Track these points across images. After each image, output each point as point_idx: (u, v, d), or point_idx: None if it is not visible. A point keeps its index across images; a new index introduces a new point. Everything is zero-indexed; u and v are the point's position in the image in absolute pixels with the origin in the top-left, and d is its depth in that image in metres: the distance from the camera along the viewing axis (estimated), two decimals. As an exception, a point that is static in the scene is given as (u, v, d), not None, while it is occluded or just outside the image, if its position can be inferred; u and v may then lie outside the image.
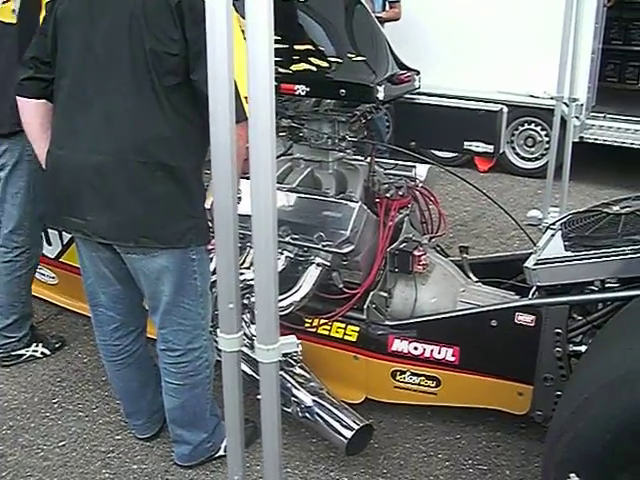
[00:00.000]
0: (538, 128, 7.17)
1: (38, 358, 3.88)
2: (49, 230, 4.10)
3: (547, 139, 6.94)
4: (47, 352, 3.91)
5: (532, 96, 6.85)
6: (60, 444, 3.25)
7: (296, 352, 1.86)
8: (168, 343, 2.86)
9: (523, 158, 7.34)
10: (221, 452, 3.06)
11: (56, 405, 3.53)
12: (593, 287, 2.93)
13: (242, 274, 2.97)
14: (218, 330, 1.89)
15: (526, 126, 7.23)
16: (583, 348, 2.86)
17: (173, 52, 2.47)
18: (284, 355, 1.84)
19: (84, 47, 2.57)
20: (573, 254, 2.93)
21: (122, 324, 2.97)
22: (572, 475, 2.05)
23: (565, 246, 3.04)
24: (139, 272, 2.73)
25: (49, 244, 4.18)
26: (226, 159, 1.69)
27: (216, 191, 1.73)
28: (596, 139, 6.97)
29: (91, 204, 2.59)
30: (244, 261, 3.17)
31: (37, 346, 3.90)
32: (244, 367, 2.79)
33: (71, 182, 2.62)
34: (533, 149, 7.27)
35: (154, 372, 3.07)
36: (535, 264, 2.95)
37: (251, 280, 2.71)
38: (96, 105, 2.56)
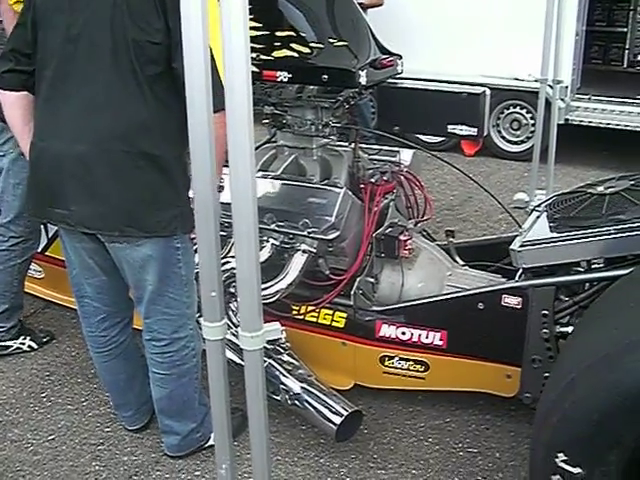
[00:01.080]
0: (523, 111, 7.17)
1: (25, 351, 3.87)
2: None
3: (532, 122, 6.94)
4: (34, 346, 3.90)
5: (516, 79, 6.83)
6: (50, 438, 3.24)
7: (281, 339, 1.85)
8: (153, 332, 2.86)
9: (509, 141, 7.35)
10: (211, 442, 3.05)
11: (45, 399, 3.52)
12: (579, 268, 2.94)
13: (227, 263, 2.96)
14: (201, 319, 1.87)
15: (511, 109, 7.23)
16: (570, 329, 2.87)
17: (155, 41, 2.46)
18: (270, 342, 1.84)
19: (65, 38, 2.55)
20: (558, 235, 2.94)
21: (108, 315, 2.97)
22: (560, 455, 2.06)
23: (550, 227, 3.04)
24: (123, 261, 2.72)
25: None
26: (204, 148, 1.67)
27: (195, 180, 1.72)
28: (581, 121, 6.98)
29: (74, 194, 2.58)
30: (229, 250, 3.16)
31: (24, 339, 3.89)
32: (232, 356, 2.80)
33: (54, 173, 2.60)
34: (519, 132, 7.28)
35: (141, 363, 3.06)
36: (521, 246, 2.96)
37: (235, 269, 2.70)
38: (78, 95, 2.55)
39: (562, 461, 2.06)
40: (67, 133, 2.56)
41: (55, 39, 2.58)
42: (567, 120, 6.83)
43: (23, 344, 3.88)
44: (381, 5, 6.77)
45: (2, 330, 3.82)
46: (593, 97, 7.16)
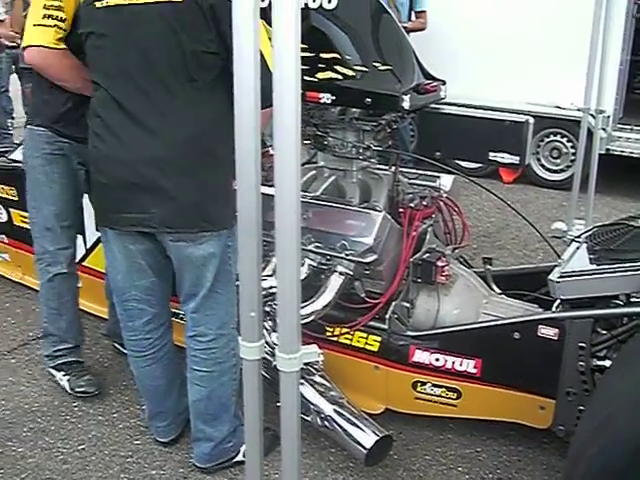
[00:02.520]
0: (564, 140, 7.13)
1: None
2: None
3: (573, 151, 6.91)
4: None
5: (558, 107, 6.80)
6: (79, 447, 3.26)
7: (317, 361, 1.85)
8: (200, 327, 2.91)
9: (548, 170, 7.31)
10: (239, 457, 3.06)
11: (76, 409, 3.54)
12: (618, 301, 2.90)
13: (264, 281, 2.97)
14: (240, 337, 1.88)
15: (552, 137, 7.20)
16: (607, 363, 2.83)
17: (211, 50, 2.60)
18: (305, 364, 1.83)
19: (118, 53, 2.69)
20: (598, 267, 2.91)
21: (154, 317, 3.02)
22: (594, 491, 2.02)
23: (590, 259, 3.01)
24: (185, 260, 2.81)
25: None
26: (251, 172, 1.70)
27: (240, 199, 1.73)
28: (623, 151, 6.92)
29: (152, 197, 2.70)
30: (265, 268, 3.17)
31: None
32: (263, 373, 2.79)
33: (125, 180, 2.72)
34: (558, 161, 7.24)
35: (180, 371, 3.10)
36: (559, 277, 2.93)
37: (273, 288, 2.71)
38: (138, 107, 2.69)
39: (596, 496, 2.02)
40: (135, 141, 2.69)
41: (108, 55, 2.71)
42: (608, 150, 6.77)
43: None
44: (424, 30, 6.81)
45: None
46: (635, 127, 7.09)
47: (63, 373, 3.64)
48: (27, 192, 3.48)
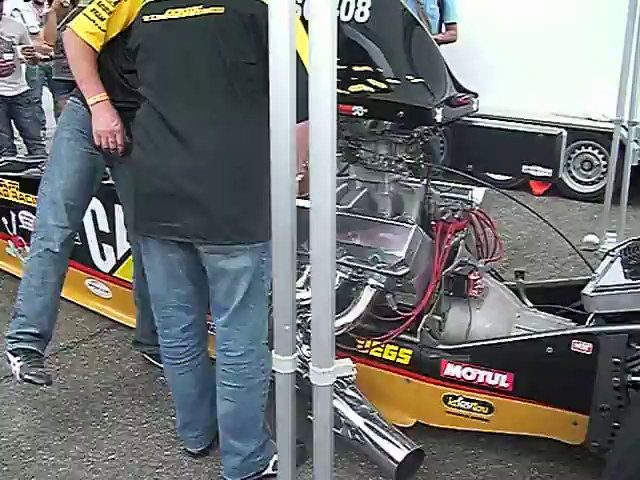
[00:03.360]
0: (595, 151, 7.09)
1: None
2: (103, 245, 4.17)
3: (604, 163, 6.86)
4: None
5: (590, 119, 6.77)
6: (110, 457, 3.27)
7: (350, 375, 1.84)
8: (230, 342, 2.90)
9: (580, 182, 7.26)
10: (269, 470, 3.05)
11: (106, 418, 3.56)
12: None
13: (297, 293, 2.97)
14: (273, 351, 1.88)
15: (583, 149, 7.16)
16: (642, 379, 2.80)
17: (252, 61, 2.61)
18: (338, 378, 1.83)
19: (162, 64, 2.74)
20: (633, 282, 2.88)
21: (191, 324, 3.04)
22: (631, 510, 2.00)
23: (624, 273, 2.98)
24: (219, 272, 2.81)
25: (103, 259, 4.25)
26: (286, 180, 1.70)
27: (275, 211, 1.74)
28: (655, 164, 6.85)
29: (187, 208, 2.72)
30: (298, 280, 3.17)
31: None
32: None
33: (162, 189, 2.75)
34: (590, 173, 7.19)
35: (213, 382, 3.08)
36: (593, 291, 2.90)
37: (305, 300, 2.71)
38: (181, 117, 2.71)
39: (633, 517, 2.00)
40: (174, 153, 2.71)
41: (153, 67, 2.77)
42: (640, 162, 6.72)
43: None
44: (454, 41, 6.80)
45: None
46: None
47: (18, 359, 3.43)
48: (46, 163, 3.50)
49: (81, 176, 3.38)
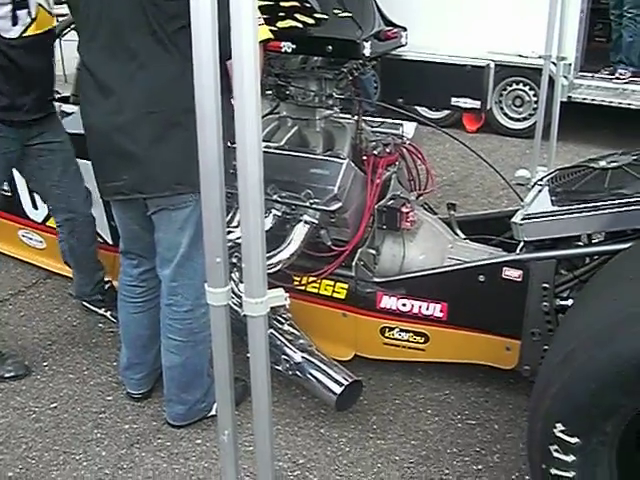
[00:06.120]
0: (526, 88, 7.16)
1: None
2: (35, 195, 4.09)
3: (535, 99, 6.93)
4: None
5: (520, 55, 6.82)
6: (52, 406, 3.27)
7: (284, 306, 1.86)
8: (177, 297, 2.90)
9: (511, 118, 7.35)
10: (213, 412, 3.08)
11: (47, 368, 3.54)
12: (580, 242, 2.95)
13: (230, 233, 2.97)
14: (206, 284, 1.89)
15: (514, 86, 7.23)
16: (570, 303, 2.88)
17: None
18: (272, 310, 1.84)
19: (85, 15, 2.66)
20: (560, 209, 2.94)
21: (150, 269, 3.06)
22: (558, 425, 2.07)
23: (552, 201, 3.04)
24: (164, 223, 2.81)
25: (35, 208, 4.17)
26: (212, 111, 1.69)
27: (202, 146, 1.73)
28: (584, 99, 6.96)
29: (123, 164, 2.69)
30: (231, 220, 3.17)
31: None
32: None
33: (102, 148, 2.74)
34: (521, 109, 7.27)
35: None
36: (522, 219, 2.96)
37: (239, 239, 2.71)
38: (108, 69, 2.66)
39: (560, 431, 2.08)
40: (105, 107, 2.67)
41: (78, 18, 2.73)
42: (570, 98, 6.82)
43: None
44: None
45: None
46: (596, 75, 7.14)
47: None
48: None
49: None
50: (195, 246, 2.79)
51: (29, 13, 3.10)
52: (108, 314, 3.90)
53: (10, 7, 3.03)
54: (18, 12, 3.07)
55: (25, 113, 3.25)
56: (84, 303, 3.99)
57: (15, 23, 3.07)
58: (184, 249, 2.81)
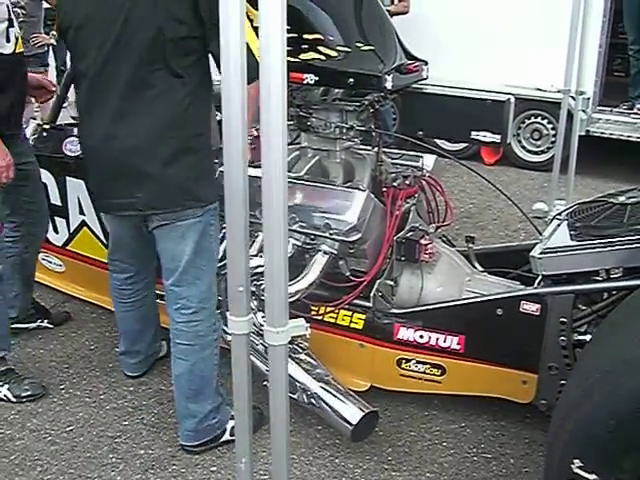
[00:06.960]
0: (545, 121, 7.18)
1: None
2: (56, 218, 4.14)
3: (553, 132, 6.95)
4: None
5: (539, 89, 6.85)
6: (68, 429, 3.28)
7: (305, 335, 1.87)
8: (182, 300, 2.97)
9: (529, 151, 7.36)
10: (227, 436, 3.09)
11: (63, 391, 3.55)
12: (598, 277, 2.95)
13: (250, 260, 2.99)
14: (228, 313, 1.90)
15: (533, 119, 7.24)
16: (588, 337, 2.88)
17: (192, 35, 2.63)
18: (292, 340, 1.86)
19: (99, 41, 2.71)
20: (579, 243, 2.94)
21: (135, 274, 3.36)
22: (576, 460, 2.06)
23: (571, 235, 3.04)
24: (165, 234, 2.91)
25: (56, 232, 4.21)
26: (238, 153, 1.72)
27: (228, 172, 1.76)
28: (602, 133, 6.97)
29: (137, 183, 2.80)
30: (251, 247, 3.19)
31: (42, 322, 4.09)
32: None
33: (112, 168, 2.84)
34: (539, 142, 7.28)
35: (156, 322, 3.56)
36: (541, 253, 2.97)
37: (259, 267, 2.73)
38: (119, 95, 2.73)
39: (578, 467, 2.05)
40: (117, 131, 2.77)
41: (88, 42, 2.76)
42: (588, 132, 6.83)
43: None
44: (406, 13, 6.81)
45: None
46: (615, 109, 7.15)
47: (1, 383, 3.49)
48: None
49: None
50: (200, 255, 2.91)
51: (15, 32, 3.24)
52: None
53: (6, 24, 3.17)
54: (10, 30, 3.20)
55: (15, 127, 3.39)
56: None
57: (9, 40, 3.20)
58: (188, 257, 2.90)
